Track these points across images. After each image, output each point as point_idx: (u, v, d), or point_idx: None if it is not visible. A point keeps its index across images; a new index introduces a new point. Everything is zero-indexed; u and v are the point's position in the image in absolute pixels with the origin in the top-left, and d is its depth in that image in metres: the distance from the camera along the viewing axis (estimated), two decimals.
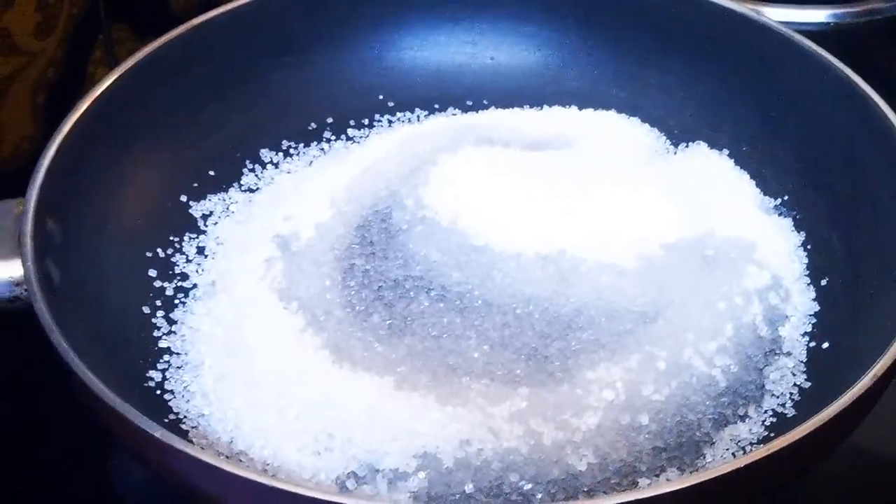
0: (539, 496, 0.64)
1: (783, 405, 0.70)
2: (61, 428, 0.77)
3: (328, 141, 0.87)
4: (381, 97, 0.90)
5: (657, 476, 0.65)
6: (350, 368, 0.70)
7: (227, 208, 0.82)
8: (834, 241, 0.77)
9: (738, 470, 0.56)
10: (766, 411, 0.69)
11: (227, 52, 0.85)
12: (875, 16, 1.07)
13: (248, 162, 0.85)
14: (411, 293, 0.74)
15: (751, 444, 0.67)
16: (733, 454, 0.67)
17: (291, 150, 0.87)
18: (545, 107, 0.89)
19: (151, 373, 0.71)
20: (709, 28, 0.86)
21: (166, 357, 0.72)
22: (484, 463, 0.65)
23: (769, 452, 0.57)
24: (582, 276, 0.74)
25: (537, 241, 0.76)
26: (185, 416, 0.69)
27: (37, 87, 0.92)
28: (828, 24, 1.06)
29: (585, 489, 0.64)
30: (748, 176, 0.83)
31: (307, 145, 0.87)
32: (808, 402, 0.69)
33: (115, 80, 0.78)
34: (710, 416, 0.68)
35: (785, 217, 0.80)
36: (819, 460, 0.64)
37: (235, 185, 0.84)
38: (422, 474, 0.65)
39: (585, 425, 0.66)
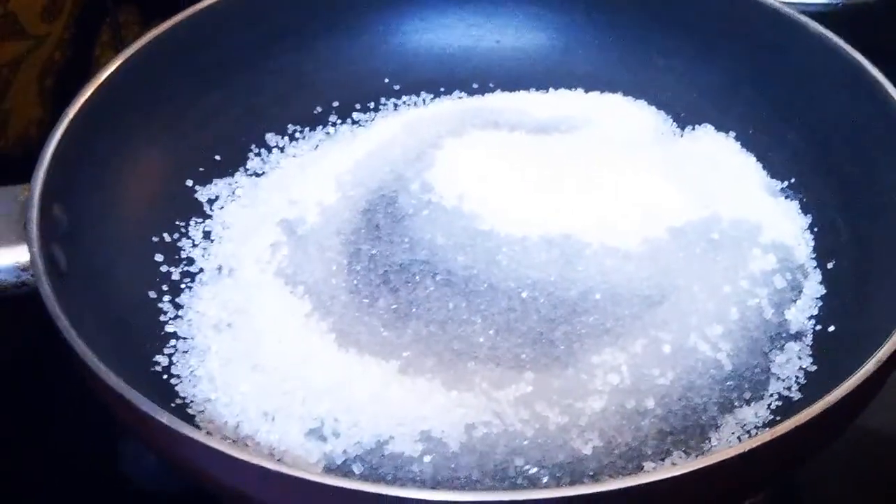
0: (545, 480, 0.64)
1: (789, 389, 0.70)
2: (70, 411, 0.77)
3: (334, 125, 0.88)
4: (386, 80, 0.90)
5: (662, 460, 0.66)
6: (356, 353, 0.70)
7: (233, 192, 0.82)
8: (840, 225, 0.76)
9: (742, 454, 0.56)
10: (771, 395, 0.69)
11: (233, 36, 0.85)
12: None
13: (253, 146, 0.85)
14: (417, 277, 0.74)
15: (756, 427, 0.68)
16: (739, 438, 0.67)
17: (297, 135, 0.87)
18: (551, 90, 0.89)
19: (158, 357, 0.71)
20: (716, 10, 0.86)
21: (172, 342, 0.73)
22: (489, 447, 0.65)
23: (774, 436, 0.57)
24: (587, 259, 0.74)
25: (542, 225, 0.76)
26: (191, 401, 0.69)
27: (44, 71, 0.92)
28: (836, 3, 1.06)
29: (591, 473, 0.65)
30: (755, 158, 0.83)
31: (313, 129, 0.87)
32: (814, 386, 0.69)
33: (121, 64, 0.78)
34: (716, 400, 0.68)
35: (791, 200, 0.80)
36: (824, 444, 0.64)
37: (241, 169, 0.84)
38: (427, 458, 0.65)
39: (591, 409, 0.67)
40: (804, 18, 0.81)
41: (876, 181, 0.75)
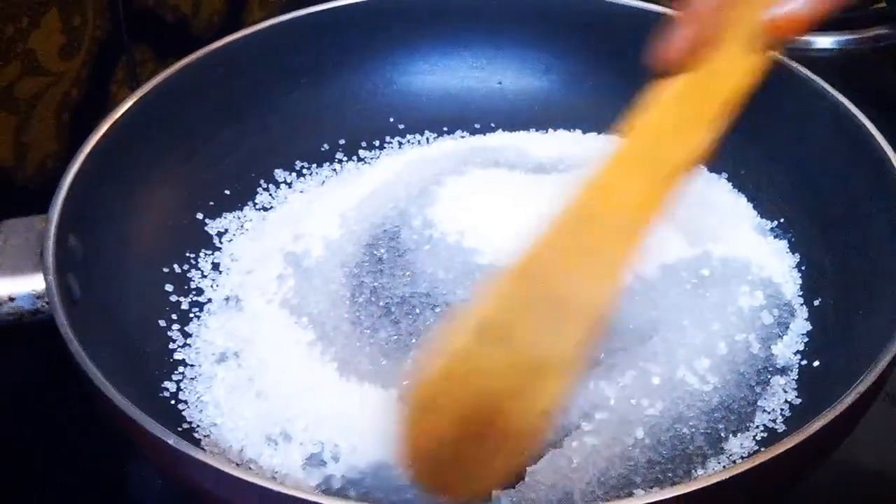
0: None
1: (774, 421, 0.72)
2: (81, 435, 0.79)
3: (340, 161, 0.90)
4: (391, 119, 0.92)
5: (651, 488, 0.67)
6: (357, 381, 0.72)
7: (242, 226, 0.85)
8: (827, 264, 0.79)
9: (722, 481, 0.58)
10: (757, 426, 0.71)
11: (244, 76, 0.88)
12: (880, 42, 1.09)
13: (262, 181, 0.88)
14: (417, 310, 0.76)
15: (741, 457, 0.69)
16: (724, 467, 0.69)
17: (304, 171, 0.89)
18: (550, 130, 0.91)
19: (166, 383, 0.73)
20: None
21: (181, 368, 0.75)
22: None
23: (755, 464, 0.59)
24: None
25: None
26: (198, 426, 0.71)
27: (61, 107, 0.94)
28: (832, 49, 1.08)
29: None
30: (745, 199, 0.85)
31: (320, 166, 0.89)
32: (798, 419, 0.71)
33: (136, 101, 0.81)
34: (703, 431, 0.70)
35: (780, 239, 0.82)
36: (805, 473, 0.66)
37: (250, 203, 0.86)
38: None
39: (580, 443, 0.68)
40: (793, 64, 0.83)
41: (861, 223, 0.77)
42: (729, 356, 0.74)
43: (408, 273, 0.79)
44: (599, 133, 0.90)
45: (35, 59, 0.90)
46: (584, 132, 0.91)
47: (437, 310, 0.76)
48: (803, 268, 0.80)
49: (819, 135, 0.81)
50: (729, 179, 0.87)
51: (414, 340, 0.74)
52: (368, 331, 0.75)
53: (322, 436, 0.69)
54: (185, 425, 0.71)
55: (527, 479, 0.66)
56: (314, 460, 0.69)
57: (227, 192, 0.86)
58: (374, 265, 0.79)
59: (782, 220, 0.83)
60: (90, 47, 0.96)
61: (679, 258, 0.79)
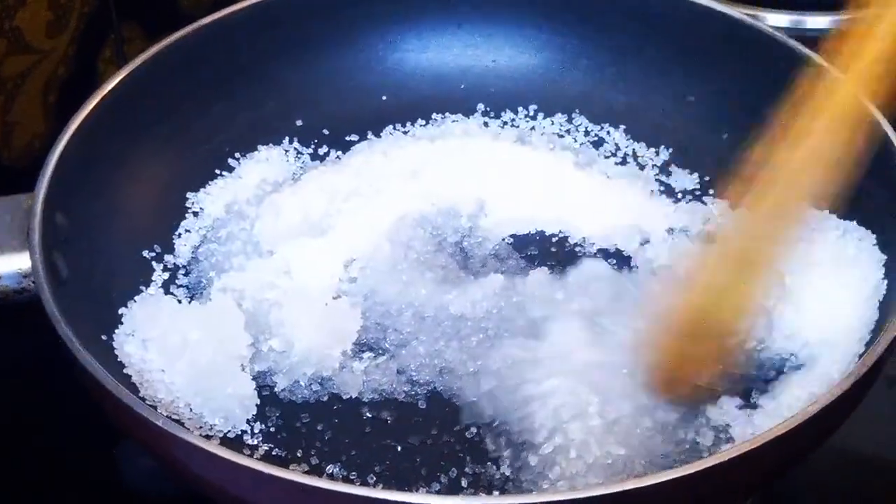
0: None
1: None
2: (68, 416, 0.78)
3: (332, 140, 0.88)
4: (384, 98, 0.91)
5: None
6: None
7: (230, 205, 0.83)
8: None
9: (716, 465, 0.58)
10: None
11: (233, 52, 0.87)
12: None
13: (250, 160, 0.86)
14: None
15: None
16: None
17: (295, 149, 0.88)
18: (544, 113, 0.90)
19: None
20: (709, 34, 0.87)
21: None
22: None
23: (754, 446, 0.58)
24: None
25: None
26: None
27: (48, 85, 0.93)
28: (829, 30, 1.07)
29: None
30: None
31: (309, 144, 0.88)
32: None
33: (123, 78, 0.79)
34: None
35: None
36: (803, 456, 0.65)
37: (238, 182, 0.85)
38: None
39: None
40: (791, 42, 0.82)
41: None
42: None
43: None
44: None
45: (21, 36, 0.90)
46: (581, 112, 0.90)
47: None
48: None
49: None
50: None
51: None
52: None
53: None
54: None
55: None
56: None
57: (217, 170, 0.85)
58: None
59: None
60: (77, 24, 0.95)
61: None
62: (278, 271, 0.76)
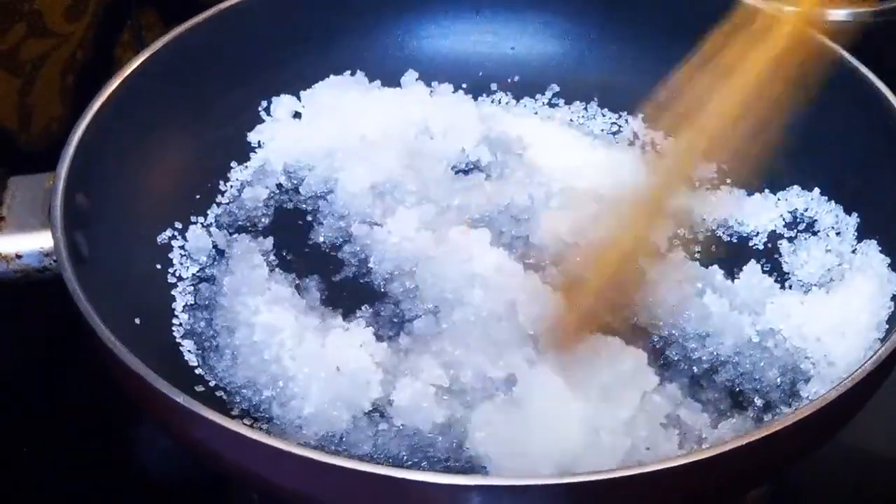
0: None
1: None
2: (85, 397, 0.78)
3: None
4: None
5: None
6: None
7: (248, 185, 0.83)
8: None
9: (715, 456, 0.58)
10: None
11: (251, 38, 0.87)
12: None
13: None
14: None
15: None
16: None
17: None
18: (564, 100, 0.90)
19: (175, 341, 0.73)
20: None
21: (189, 326, 0.74)
22: None
23: (769, 433, 0.59)
24: None
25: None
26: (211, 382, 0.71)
27: (66, 69, 0.94)
28: (847, 22, 1.07)
29: None
30: None
31: None
32: None
33: (145, 60, 0.80)
34: None
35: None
36: (811, 449, 0.66)
37: (256, 164, 0.85)
38: None
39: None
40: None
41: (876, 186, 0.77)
42: None
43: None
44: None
45: (41, 20, 0.90)
46: (599, 100, 0.90)
47: None
48: None
49: (839, 105, 0.79)
50: None
51: None
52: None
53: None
54: (199, 387, 0.71)
55: None
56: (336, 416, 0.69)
57: (235, 151, 0.85)
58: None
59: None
60: (96, 9, 0.95)
61: None
62: None
